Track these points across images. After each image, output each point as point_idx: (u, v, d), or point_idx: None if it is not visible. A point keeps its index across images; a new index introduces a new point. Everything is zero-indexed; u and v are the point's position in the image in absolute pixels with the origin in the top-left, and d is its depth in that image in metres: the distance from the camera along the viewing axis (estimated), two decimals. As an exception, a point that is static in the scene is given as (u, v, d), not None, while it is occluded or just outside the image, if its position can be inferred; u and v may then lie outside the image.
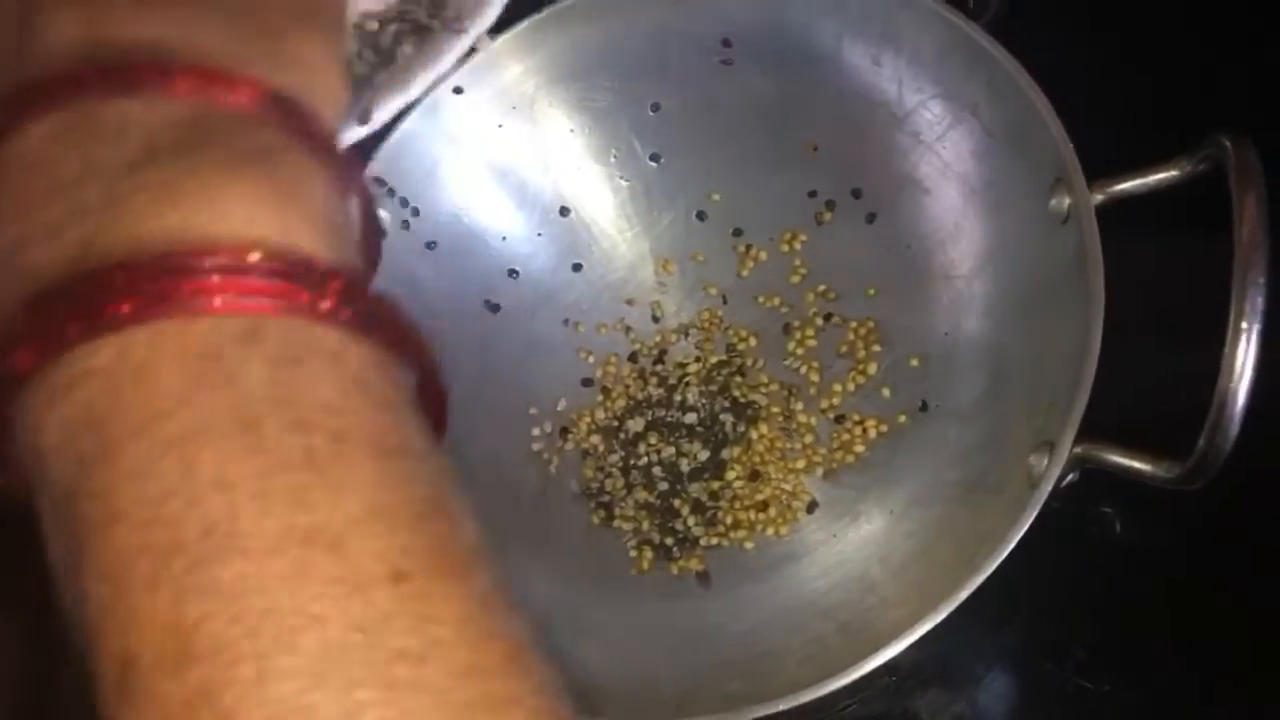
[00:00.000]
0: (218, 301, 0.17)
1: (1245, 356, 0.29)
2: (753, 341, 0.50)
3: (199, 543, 0.16)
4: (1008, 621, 0.46)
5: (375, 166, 0.49)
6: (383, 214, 0.49)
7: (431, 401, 0.20)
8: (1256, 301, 0.30)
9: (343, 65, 0.23)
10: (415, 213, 0.50)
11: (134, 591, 0.16)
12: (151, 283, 0.17)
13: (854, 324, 0.49)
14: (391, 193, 0.49)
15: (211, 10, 0.21)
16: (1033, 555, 0.35)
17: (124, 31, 0.20)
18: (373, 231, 0.24)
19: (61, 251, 0.18)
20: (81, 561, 0.17)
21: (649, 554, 0.46)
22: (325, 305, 0.18)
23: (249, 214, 0.18)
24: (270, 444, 0.17)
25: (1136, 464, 0.33)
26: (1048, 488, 0.34)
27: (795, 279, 0.51)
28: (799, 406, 0.48)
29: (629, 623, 0.44)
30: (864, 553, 0.43)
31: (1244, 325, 0.30)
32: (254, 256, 0.17)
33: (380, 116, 0.31)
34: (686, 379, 0.50)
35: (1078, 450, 0.34)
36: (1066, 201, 0.38)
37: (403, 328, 0.20)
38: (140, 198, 0.18)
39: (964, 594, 0.34)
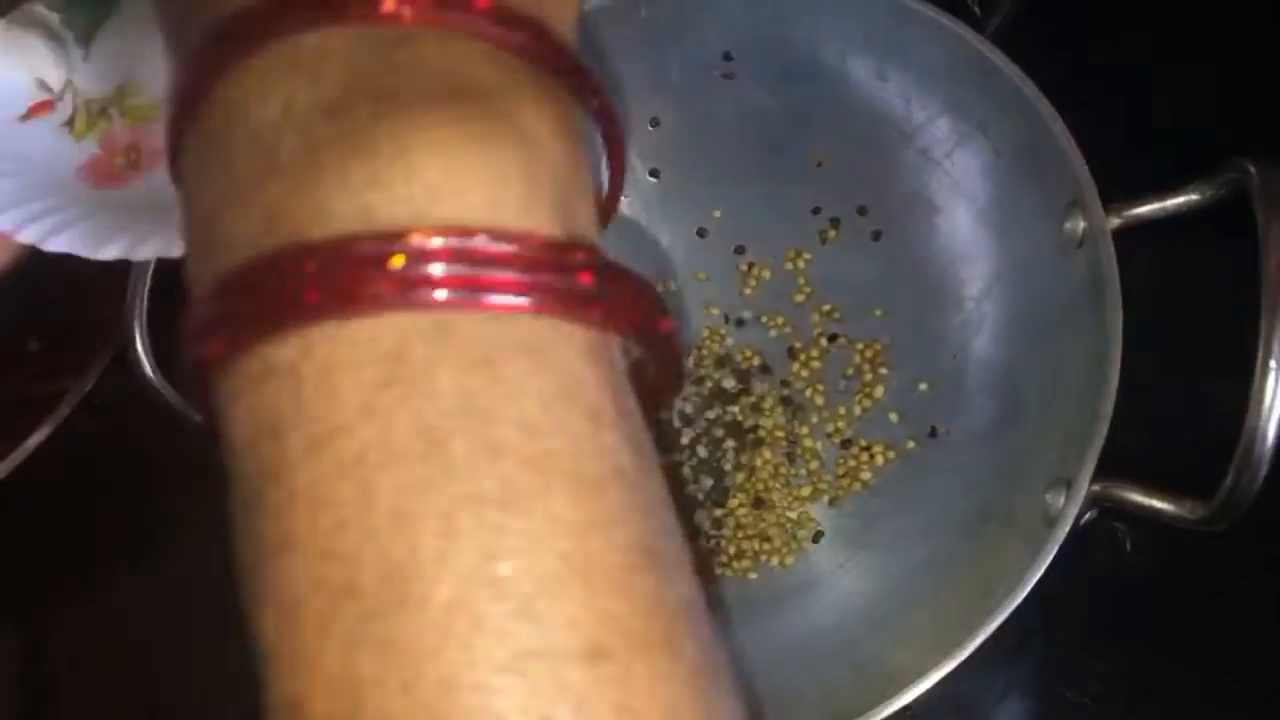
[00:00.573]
0: (404, 297, 0.15)
1: (1274, 394, 0.28)
2: (756, 363, 0.49)
3: (376, 589, 0.14)
4: (1021, 650, 0.44)
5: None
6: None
7: (661, 372, 0.18)
8: (1287, 338, 0.28)
9: None
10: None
11: (306, 630, 0.15)
12: (334, 273, 0.15)
13: (860, 345, 0.47)
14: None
15: None
16: (1043, 578, 0.34)
17: None
18: (616, 153, 0.21)
19: (250, 224, 0.16)
20: (257, 582, 0.15)
21: (650, 585, 0.45)
22: (523, 299, 0.15)
23: (445, 176, 0.16)
24: (459, 470, 0.15)
25: (1158, 504, 0.32)
26: (1065, 529, 0.33)
27: (799, 298, 0.49)
28: (804, 431, 0.47)
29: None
30: (872, 586, 0.41)
31: (1273, 363, 0.28)
32: (440, 242, 0.15)
33: None
34: (687, 402, 0.48)
35: (1095, 488, 0.33)
36: (1081, 225, 0.37)
37: (629, 306, 0.17)
38: (331, 155, 0.16)
39: (980, 638, 0.33)
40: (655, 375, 0.18)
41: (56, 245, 0.27)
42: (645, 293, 0.17)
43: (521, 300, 0.15)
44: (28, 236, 0.27)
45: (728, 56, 0.48)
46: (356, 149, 0.16)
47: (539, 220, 0.16)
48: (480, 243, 0.15)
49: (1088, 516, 0.34)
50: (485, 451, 0.15)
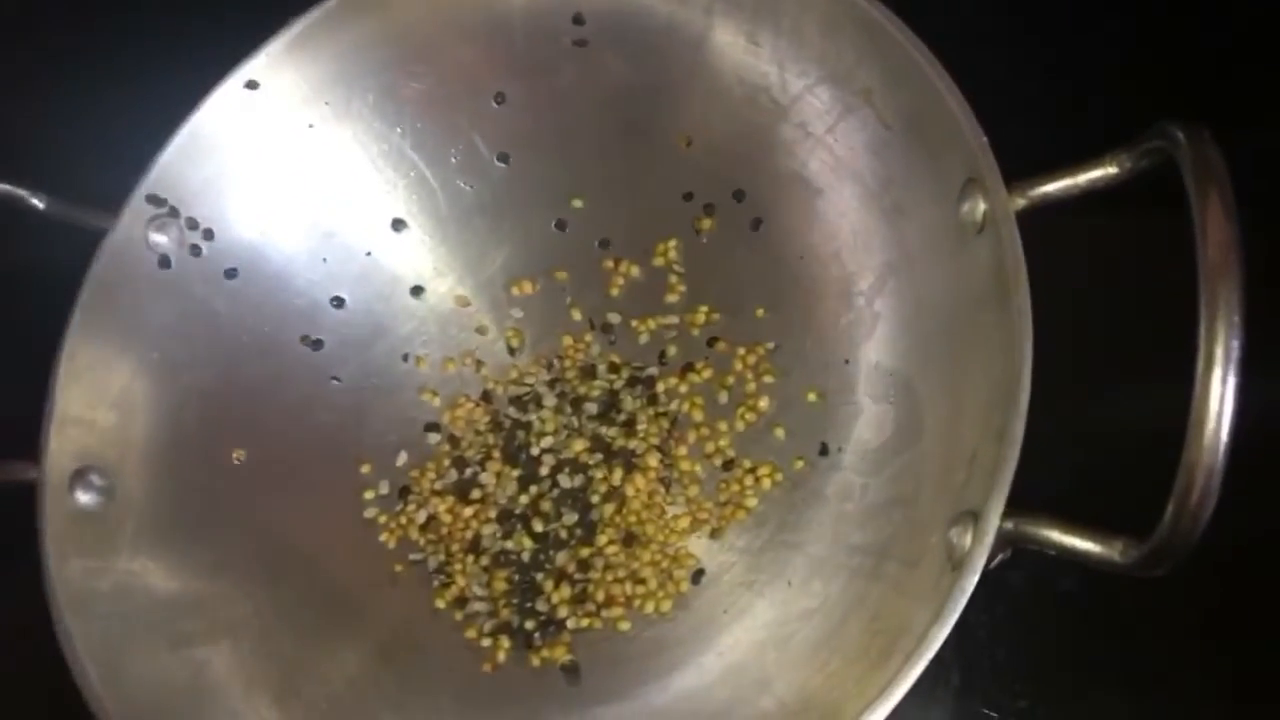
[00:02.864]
0: None
1: (1219, 417, 0.23)
2: (625, 374, 0.42)
3: None
4: (936, 684, 0.39)
5: (151, 181, 0.40)
6: (160, 239, 0.40)
7: None
8: (1231, 344, 0.23)
9: None
10: (208, 235, 0.41)
11: None
12: None
13: (742, 351, 0.41)
14: (174, 213, 0.40)
15: None
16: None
17: None
18: None
19: None
20: None
21: (505, 643, 0.38)
22: None
23: None
24: None
25: (1082, 544, 0.26)
26: (973, 577, 0.27)
27: (672, 298, 0.43)
28: (681, 452, 0.41)
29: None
30: (758, 635, 0.36)
31: (1215, 376, 0.23)
32: None
33: None
34: (547, 424, 0.42)
35: (1007, 526, 0.27)
36: (981, 207, 0.31)
37: None
38: None
39: (879, 713, 0.27)
40: None
41: None
42: None
43: None
44: None
45: (578, 20, 0.42)
46: None
47: None
48: None
49: (999, 559, 0.28)
50: None
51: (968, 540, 0.28)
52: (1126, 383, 0.35)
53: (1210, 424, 0.23)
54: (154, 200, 0.40)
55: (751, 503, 0.39)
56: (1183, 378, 0.24)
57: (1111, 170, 0.29)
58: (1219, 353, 0.23)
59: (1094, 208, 0.30)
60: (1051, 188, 0.30)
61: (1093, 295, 0.35)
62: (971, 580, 0.27)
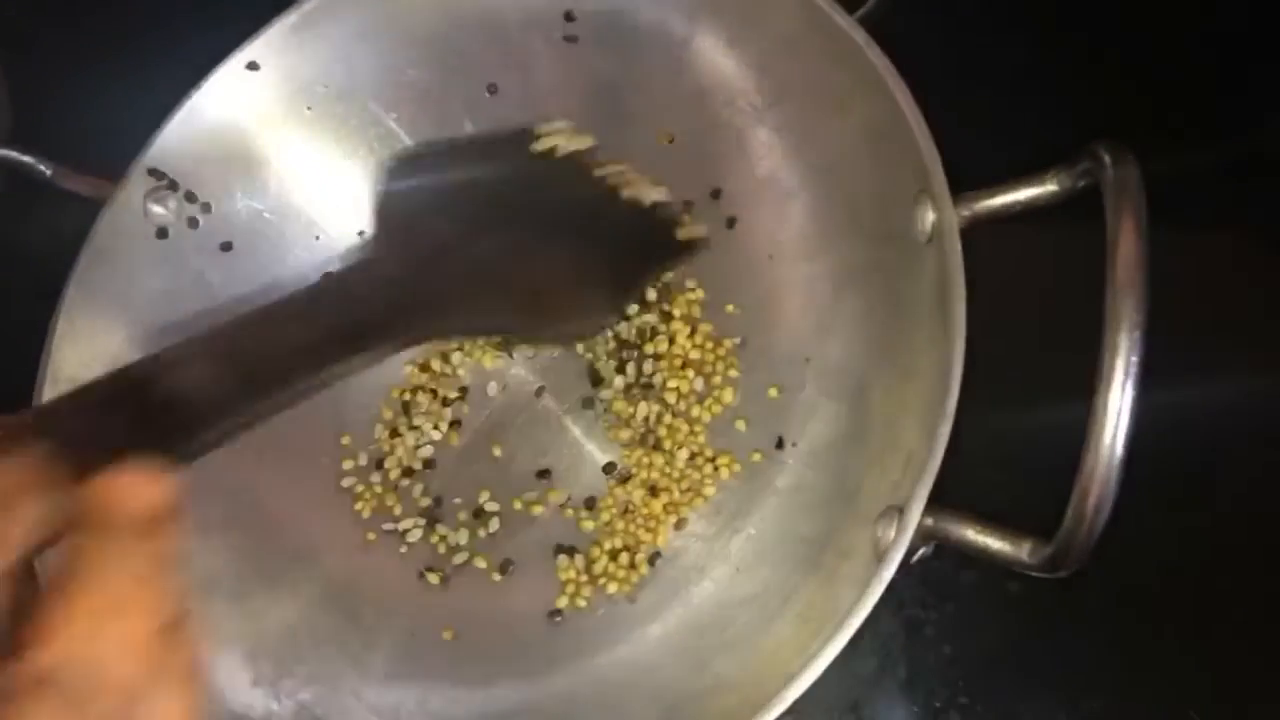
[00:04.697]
0: None
1: (1116, 426, 0.24)
2: (606, 361, 0.44)
3: None
4: (882, 673, 0.41)
5: (152, 155, 0.41)
6: (158, 210, 0.42)
7: None
8: (1130, 359, 0.24)
9: None
10: (206, 208, 0.43)
11: None
12: None
13: (710, 345, 0.43)
14: (174, 185, 0.42)
15: None
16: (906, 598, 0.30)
17: None
18: None
19: None
20: None
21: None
22: None
23: None
24: None
25: (993, 543, 0.28)
26: (891, 568, 0.28)
27: (649, 294, 0.44)
28: (650, 441, 0.42)
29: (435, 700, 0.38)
30: (701, 619, 0.37)
31: (1114, 389, 0.24)
32: None
33: None
34: (529, 400, 0.43)
35: (928, 521, 0.29)
36: (930, 217, 0.33)
37: None
38: None
39: (797, 690, 0.29)
40: None
41: None
42: None
43: None
44: None
45: (569, 17, 0.43)
46: None
47: None
48: None
49: (921, 553, 0.29)
50: None
51: (891, 533, 0.29)
52: (1056, 390, 0.36)
53: (1107, 435, 0.24)
54: (154, 173, 0.42)
55: (710, 491, 0.40)
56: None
57: (1051, 188, 0.30)
58: (1118, 366, 0.24)
59: (1042, 220, 0.31)
60: (994, 202, 0.31)
61: (1033, 308, 0.36)
62: (890, 570, 0.28)
